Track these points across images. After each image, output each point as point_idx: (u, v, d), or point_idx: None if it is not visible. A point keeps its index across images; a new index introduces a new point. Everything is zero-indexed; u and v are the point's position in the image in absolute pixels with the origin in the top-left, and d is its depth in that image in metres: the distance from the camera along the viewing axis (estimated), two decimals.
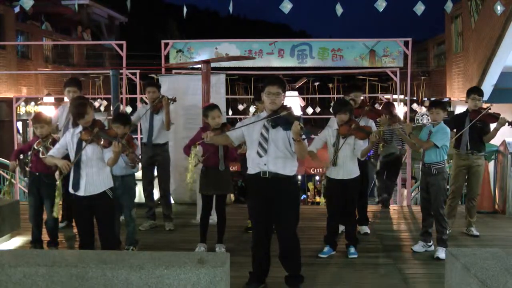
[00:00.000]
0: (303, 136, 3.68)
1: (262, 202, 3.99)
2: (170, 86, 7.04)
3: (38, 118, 5.07)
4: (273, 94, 3.86)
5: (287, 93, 4.11)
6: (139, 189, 6.82)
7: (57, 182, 4.19)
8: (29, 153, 5.07)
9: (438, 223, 5.10)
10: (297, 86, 16.56)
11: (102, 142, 4.11)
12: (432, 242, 5.26)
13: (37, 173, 5.06)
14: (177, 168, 7.01)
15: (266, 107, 3.97)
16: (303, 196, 14.19)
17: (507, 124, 5.53)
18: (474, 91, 5.77)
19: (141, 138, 6.27)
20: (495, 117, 5.57)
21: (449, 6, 6.60)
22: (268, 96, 3.88)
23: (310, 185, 14.71)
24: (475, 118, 5.52)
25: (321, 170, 11.22)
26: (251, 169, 4.00)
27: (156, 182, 6.54)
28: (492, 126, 5.66)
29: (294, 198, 4.09)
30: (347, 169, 4.98)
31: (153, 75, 11.28)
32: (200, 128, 5.24)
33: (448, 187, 5.66)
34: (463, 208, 6.23)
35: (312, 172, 11.81)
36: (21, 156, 5.21)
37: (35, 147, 5.00)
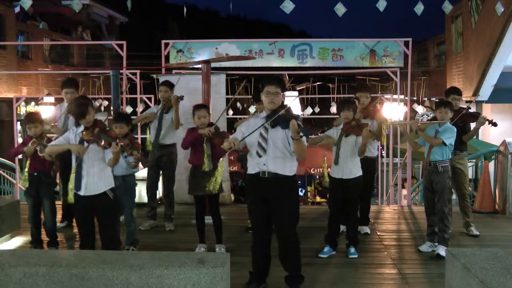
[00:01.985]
0: (301, 134, 3.68)
1: (261, 202, 3.98)
2: None
3: (31, 118, 5.05)
4: (271, 94, 3.87)
5: (288, 93, 4.13)
6: (139, 189, 6.84)
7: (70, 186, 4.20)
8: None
9: (441, 221, 5.10)
10: (298, 89, 16.55)
11: (102, 143, 4.12)
12: None
13: (35, 173, 5.04)
14: (177, 168, 7.00)
15: (265, 106, 3.98)
16: (302, 191, 14.13)
17: (487, 122, 5.56)
18: (453, 91, 5.82)
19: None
20: (475, 117, 5.63)
21: (447, 7, 6.59)
22: (267, 95, 3.89)
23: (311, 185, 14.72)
24: (455, 117, 5.52)
25: (320, 170, 11.21)
26: (251, 169, 4.01)
27: (159, 182, 6.54)
28: (473, 125, 5.72)
29: (294, 198, 4.09)
30: (348, 168, 4.98)
31: (153, 75, 11.28)
32: (188, 128, 5.20)
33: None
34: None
35: (312, 172, 11.80)
36: (20, 156, 5.19)
37: (31, 147, 4.97)
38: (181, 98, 5.99)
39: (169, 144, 6.14)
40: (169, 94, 6.10)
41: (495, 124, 5.63)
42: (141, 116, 6.39)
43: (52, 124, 5.85)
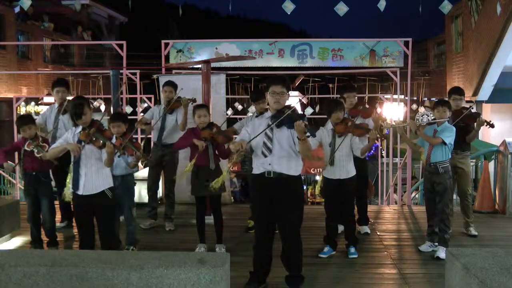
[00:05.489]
0: (308, 134, 3.67)
1: (266, 202, 3.98)
2: None
3: (24, 120, 5.07)
4: (277, 94, 3.86)
5: (290, 92, 4.11)
6: (139, 189, 6.84)
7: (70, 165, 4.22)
8: (21, 154, 5.05)
9: (442, 222, 5.09)
10: (296, 85, 16.55)
11: (98, 143, 4.12)
12: None
13: (34, 172, 5.06)
14: (178, 168, 6.99)
15: (270, 106, 3.97)
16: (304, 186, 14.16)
17: (485, 124, 5.56)
18: (454, 92, 5.83)
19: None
20: (474, 118, 5.62)
21: (445, 7, 6.59)
22: (272, 95, 3.87)
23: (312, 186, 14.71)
24: (457, 118, 5.53)
25: (320, 170, 11.23)
26: (256, 169, 4.00)
27: (160, 182, 6.54)
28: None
29: (298, 198, 4.07)
30: (344, 168, 4.97)
31: (153, 75, 11.27)
32: (189, 129, 5.23)
33: None
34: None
35: (312, 172, 11.82)
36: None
37: (27, 149, 4.98)
38: (194, 100, 5.93)
39: (172, 143, 6.14)
40: (173, 94, 6.08)
41: (492, 126, 5.63)
42: (150, 115, 6.33)
43: (41, 127, 5.80)
